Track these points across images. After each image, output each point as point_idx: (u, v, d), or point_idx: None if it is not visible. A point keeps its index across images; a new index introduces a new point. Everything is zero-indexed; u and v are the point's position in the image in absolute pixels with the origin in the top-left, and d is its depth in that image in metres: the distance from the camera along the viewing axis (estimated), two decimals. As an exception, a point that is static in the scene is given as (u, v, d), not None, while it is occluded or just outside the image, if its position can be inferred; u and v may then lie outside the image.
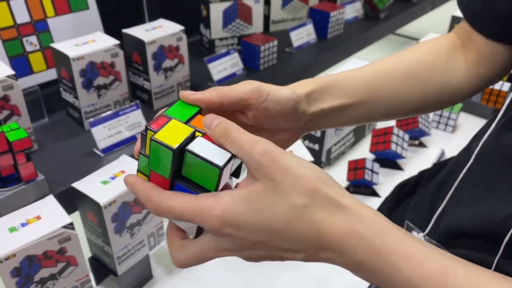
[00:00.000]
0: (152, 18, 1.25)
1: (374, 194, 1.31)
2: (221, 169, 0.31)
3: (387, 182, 1.35)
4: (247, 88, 0.40)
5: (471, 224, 0.44)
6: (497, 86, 1.50)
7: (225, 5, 1.25)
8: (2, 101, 0.82)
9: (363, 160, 1.29)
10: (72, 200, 0.85)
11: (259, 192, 0.31)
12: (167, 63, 1.06)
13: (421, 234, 0.49)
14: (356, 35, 1.53)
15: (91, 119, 0.92)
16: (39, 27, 1.03)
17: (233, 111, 0.41)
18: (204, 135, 0.33)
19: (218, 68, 1.19)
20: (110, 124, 0.94)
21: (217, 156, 0.32)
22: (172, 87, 1.11)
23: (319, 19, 1.46)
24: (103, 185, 0.84)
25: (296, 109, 0.43)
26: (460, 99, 0.53)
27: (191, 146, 0.32)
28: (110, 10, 1.14)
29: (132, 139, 0.98)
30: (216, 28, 1.28)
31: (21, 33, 1.01)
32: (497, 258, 0.40)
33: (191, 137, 0.33)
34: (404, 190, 0.67)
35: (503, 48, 0.49)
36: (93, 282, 0.87)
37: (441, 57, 0.52)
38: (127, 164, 0.89)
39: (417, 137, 1.52)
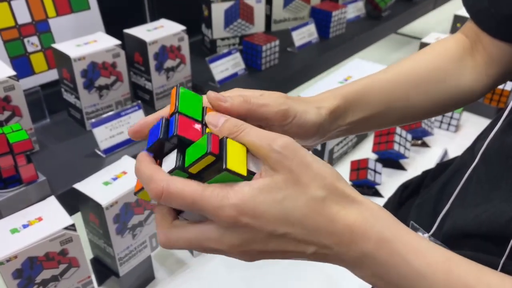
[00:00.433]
0: (154, 18, 1.25)
1: (377, 194, 1.30)
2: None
3: (390, 182, 1.35)
4: (275, 109, 0.39)
5: (475, 224, 0.44)
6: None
7: (227, 5, 1.25)
8: (4, 102, 0.82)
9: (365, 160, 1.29)
10: (73, 201, 0.85)
11: (279, 183, 0.31)
12: (169, 63, 1.06)
13: (426, 235, 0.48)
14: (358, 34, 1.52)
15: (93, 120, 0.92)
16: (40, 27, 1.03)
17: None
18: (212, 134, 0.33)
19: (220, 68, 1.18)
20: (112, 125, 0.94)
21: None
22: (173, 87, 1.10)
23: (321, 18, 1.46)
24: (105, 186, 0.83)
25: (318, 131, 0.43)
26: (471, 100, 0.53)
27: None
28: (111, 10, 1.14)
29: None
30: (218, 28, 1.27)
31: (22, 34, 1.00)
32: (503, 259, 0.40)
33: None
34: (407, 191, 0.66)
35: (511, 48, 0.49)
36: (95, 284, 0.87)
37: (453, 61, 0.52)
38: (128, 165, 0.89)
39: (420, 137, 1.51)
